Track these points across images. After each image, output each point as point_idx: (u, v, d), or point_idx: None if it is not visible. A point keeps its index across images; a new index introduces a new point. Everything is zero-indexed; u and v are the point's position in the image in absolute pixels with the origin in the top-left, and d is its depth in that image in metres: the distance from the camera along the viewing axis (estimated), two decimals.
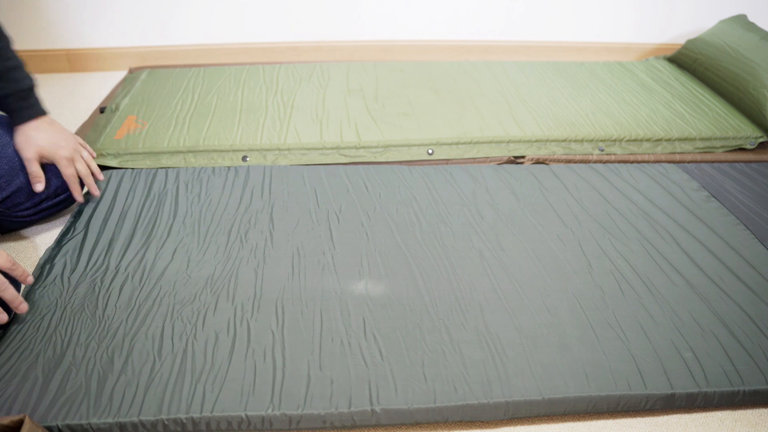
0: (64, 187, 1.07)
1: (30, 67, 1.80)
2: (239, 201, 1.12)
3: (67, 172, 1.04)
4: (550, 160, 1.33)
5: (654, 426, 0.77)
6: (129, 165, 1.25)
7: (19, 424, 0.60)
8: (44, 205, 1.07)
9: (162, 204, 1.10)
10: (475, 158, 1.32)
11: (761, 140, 1.43)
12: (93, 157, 1.10)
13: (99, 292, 0.89)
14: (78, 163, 1.05)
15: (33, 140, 1.02)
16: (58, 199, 1.08)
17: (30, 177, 1.03)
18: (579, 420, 0.78)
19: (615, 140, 1.39)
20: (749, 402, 0.79)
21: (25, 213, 1.05)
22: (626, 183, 1.23)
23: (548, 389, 0.76)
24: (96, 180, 1.10)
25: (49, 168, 1.05)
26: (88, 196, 1.10)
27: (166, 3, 1.78)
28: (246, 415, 0.71)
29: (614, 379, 0.78)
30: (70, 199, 1.10)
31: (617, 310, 0.89)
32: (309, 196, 1.14)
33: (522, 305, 0.89)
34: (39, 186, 1.03)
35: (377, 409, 0.73)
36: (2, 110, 1.04)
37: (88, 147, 1.10)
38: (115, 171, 1.20)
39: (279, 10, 1.83)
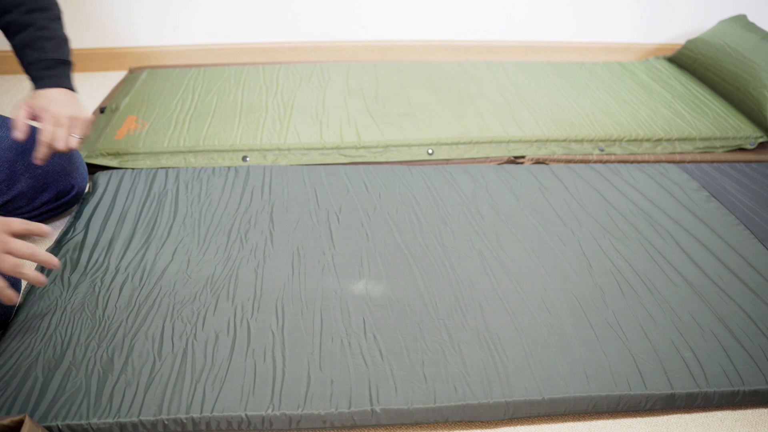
0: (66, 190, 1.07)
1: None
2: (239, 201, 1.12)
3: (45, 128, 0.95)
4: (550, 160, 1.33)
5: (654, 426, 0.77)
6: (129, 165, 1.25)
7: (19, 424, 0.60)
8: (45, 208, 1.06)
9: (162, 204, 1.10)
10: (475, 158, 1.32)
11: (761, 140, 1.43)
12: (78, 140, 1.00)
13: (99, 292, 0.89)
14: (60, 129, 0.96)
15: (38, 94, 0.98)
16: (59, 202, 1.08)
17: (11, 122, 0.96)
18: (579, 420, 0.78)
19: (615, 140, 1.39)
20: (749, 402, 0.79)
21: (26, 217, 1.05)
22: (626, 183, 1.23)
23: (548, 389, 0.76)
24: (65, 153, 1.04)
25: (52, 172, 1.05)
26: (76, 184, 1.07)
27: (167, 3, 1.78)
28: (246, 415, 0.71)
29: (614, 379, 0.78)
30: (71, 203, 1.10)
31: (617, 310, 0.89)
32: (309, 196, 1.14)
33: (522, 305, 0.89)
34: (16, 133, 0.95)
35: (377, 409, 0.73)
36: (30, 80, 1.02)
37: (83, 128, 1.00)
38: (115, 171, 1.20)
39: (279, 11, 1.83)
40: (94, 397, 0.72)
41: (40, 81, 1.01)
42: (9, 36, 1.03)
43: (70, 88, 1.03)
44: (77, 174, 1.08)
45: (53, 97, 0.99)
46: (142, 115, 1.42)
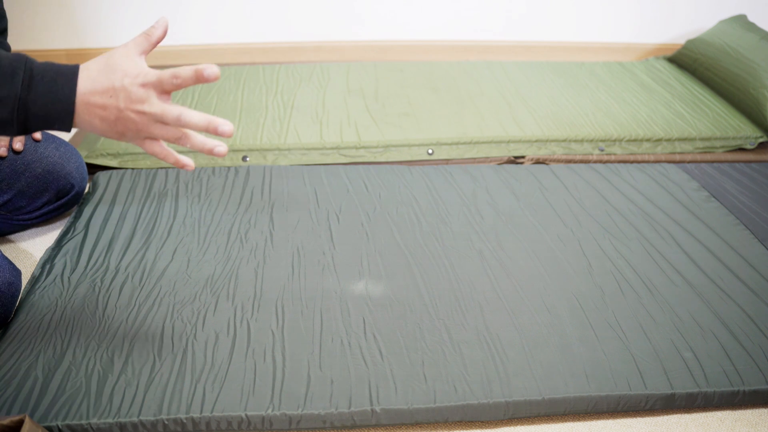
0: (66, 190, 1.07)
1: None
2: (239, 201, 1.12)
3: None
4: (550, 160, 1.33)
5: (654, 426, 0.77)
6: (129, 165, 1.25)
7: (19, 424, 0.60)
8: (45, 209, 1.06)
9: (162, 204, 1.10)
10: (475, 158, 1.32)
11: (761, 140, 1.43)
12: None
13: (99, 292, 0.89)
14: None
15: None
16: (59, 203, 1.08)
17: None
18: (579, 420, 0.78)
19: (615, 140, 1.39)
20: (749, 402, 0.79)
21: (26, 217, 1.05)
22: (626, 183, 1.23)
23: (548, 389, 0.76)
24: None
25: (52, 171, 1.04)
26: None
27: (167, 3, 1.78)
28: (246, 415, 0.71)
29: (614, 379, 0.78)
30: (71, 203, 1.10)
31: (617, 310, 0.89)
32: (309, 196, 1.14)
33: (522, 305, 0.89)
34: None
35: (377, 409, 0.73)
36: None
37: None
38: (115, 171, 1.20)
39: (279, 11, 1.83)
40: (94, 397, 0.72)
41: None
42: None
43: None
44: (77, 174, 1.08)
45: None
46: None
